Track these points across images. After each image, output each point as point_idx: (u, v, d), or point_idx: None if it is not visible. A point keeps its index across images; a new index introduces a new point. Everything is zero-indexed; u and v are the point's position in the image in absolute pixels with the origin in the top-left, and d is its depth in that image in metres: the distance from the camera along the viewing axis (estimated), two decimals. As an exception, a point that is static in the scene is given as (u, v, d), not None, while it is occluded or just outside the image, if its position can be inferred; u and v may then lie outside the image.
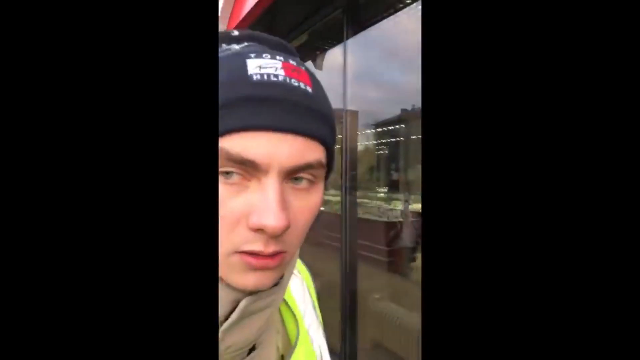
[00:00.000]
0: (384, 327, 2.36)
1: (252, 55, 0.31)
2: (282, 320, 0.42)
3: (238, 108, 0.29)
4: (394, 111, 2.51)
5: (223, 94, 0.29)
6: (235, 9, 2.63)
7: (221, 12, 2.64)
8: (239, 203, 0.29)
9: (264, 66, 0.30)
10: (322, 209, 0.36)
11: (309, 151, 0.30)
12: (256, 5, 2.35)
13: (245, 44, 0.34)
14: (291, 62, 0.32)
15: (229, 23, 2.69)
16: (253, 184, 0.29)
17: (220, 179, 0.29)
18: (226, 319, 0.31)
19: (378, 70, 2.35)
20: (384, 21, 2.19)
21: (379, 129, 2.67)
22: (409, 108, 2.37)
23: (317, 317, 0.46)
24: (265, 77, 0.30)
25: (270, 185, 0.29)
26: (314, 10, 2.51)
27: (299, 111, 0.30)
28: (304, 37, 2.69)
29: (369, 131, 2.68)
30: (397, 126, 2.62)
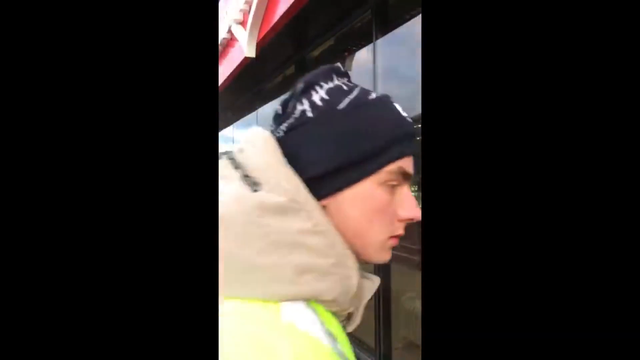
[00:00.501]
0: (417, 326, 2.35)
1: (391, 99, 0.43)
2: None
3: (407, 141, 0.40)
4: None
5: (392, 133, 0.39)
6: (267, 14, 2.71)
7: (253, 17, 2.73)
8: (394, 204, 0.41)
9: (403, 111, 0.42)
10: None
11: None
12: (288, 9, 2.41)
13: (346, 79, 0.44)
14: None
15: (261, 27, 2.78)
16: (398, 190, 0.41)
17: (386, 189, 0.39)
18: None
19: (407, 68, 2.33)
20: (412, 20, 2.17)
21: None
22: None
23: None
24: (408, 117, 0.42)
25: (409, 191, 0.42)
26: (344, 12, 2.53)
27: (413, 140, 0.42)
28: (332, 39, 2.73)
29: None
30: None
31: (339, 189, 0.39)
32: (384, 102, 0.41)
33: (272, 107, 4.06)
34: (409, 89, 2.13)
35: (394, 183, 0.39)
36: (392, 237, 0.41)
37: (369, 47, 2.45)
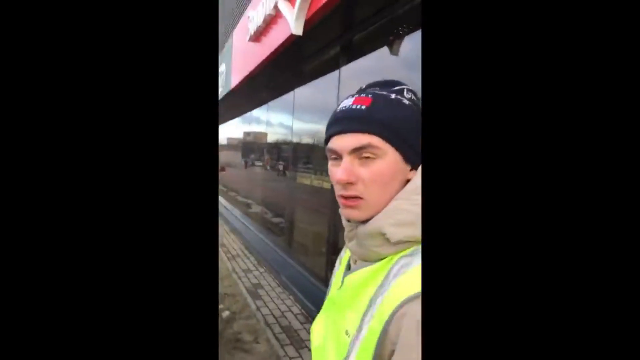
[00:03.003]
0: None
1: (347, 98, 0.59)
2: (377, 275, 0.56)
3: (330, 127, 0.57)
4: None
5: (326, 127, 0.58)
6: (316, -5, 2.69)
7: (301, 1, 2.71)
8: (334, 171, 0.56)
9: (344, 103, 0.58)
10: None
11: (358, 140, 0.54)
12: (337, -9, 2.38)
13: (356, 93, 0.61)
14: (362, 95, 0.57)
15: (309, 8, 2.76)
16: (338, 162, 0.56)
17: (332, 163, 0.57)
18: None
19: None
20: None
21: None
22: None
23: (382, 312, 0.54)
24: (342, 107, 0.58)
25: (345, 160, 0.55)
26: (395, -5, 2.48)
27: (352, 121, 0.55)
28: (379, 24, 2.68)
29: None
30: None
31: None
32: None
33: (309, 89, 4.05)
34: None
35: (334, 157, 0.56)
36: (338, 196, 0.56)
37: (417, 33, 2.40)
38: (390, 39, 2.73)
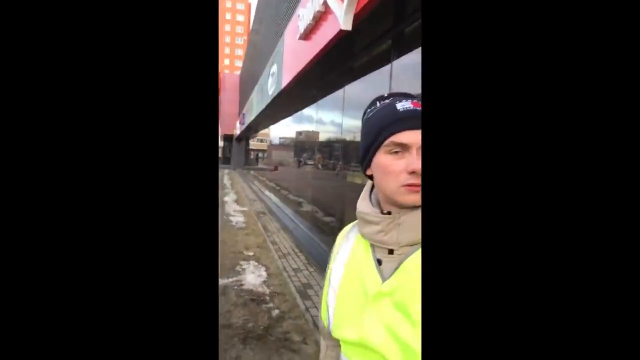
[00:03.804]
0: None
1: (397, 102, 0.66)
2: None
3: (395, 124, 0.63)
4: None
5: (381, 123, 0.64)
6: (366, -13, 2.60)
7: (351, -10, 2.63)
8: (401, 163, 0.62)
9: (402, 104, 0.65)
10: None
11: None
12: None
13: (390, 99, 0.67)
14: (415, 100, 0.66)
15: (359, 2, 2.67)
16: (407, 154, 0.62)
17: (390, 155, 0.63)
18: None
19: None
20: None
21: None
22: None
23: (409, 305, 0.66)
24: (404, 108, 0.65)
25: (414, 153, 0.62)
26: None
27: (419, 120, 0.62)
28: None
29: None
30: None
31: (369, 163, 0.67)
32: (387, 105, 0.66)
33: (360, 85, 3.95)
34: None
35: (396, 150, 0.62)
36: (404, 185, 0.61)
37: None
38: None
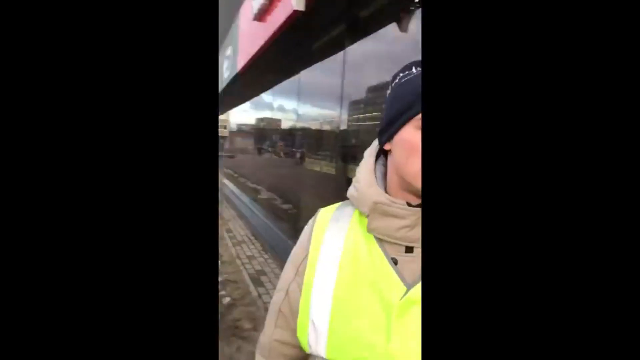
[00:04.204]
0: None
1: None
2: None
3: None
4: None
5: (417, 92, 0.53)
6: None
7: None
8: None
9: None
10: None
11: None
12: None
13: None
14: None
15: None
16: None
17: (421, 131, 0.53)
18: (370, 213, 0.58)
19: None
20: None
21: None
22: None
23: None
24: None
25: None
26: (403, -34, 2.31)
27: None
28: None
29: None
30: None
31: (392, 135, 0.56)
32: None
33: (315, 71, 3.90)
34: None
35: None
36: None
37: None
38: (402, 15, 2.57)
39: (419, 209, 0.53)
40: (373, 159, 0.61)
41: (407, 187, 0.55)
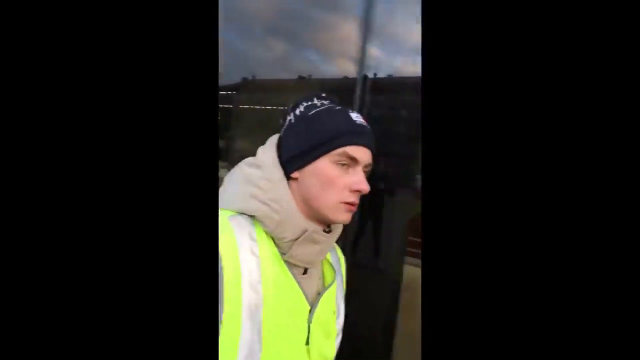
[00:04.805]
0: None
1: (349, 111, 0.62)
2: (324, 270, 0.69)
3: (351, 135, 0.59)
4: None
5: (338, 129, 0.59)
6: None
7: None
8: (346, 178, 0.59)
9: (355, 116, 0.62)
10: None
11: (370, 157, 0.61)
12: None
13: (328, 102, 0.64)
14: (358, 113, 0.63)
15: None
16: (351, 170, 0.59)
17: (337, 167, 0.58)
18: (297, 239, 0.58)
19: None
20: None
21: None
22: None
23: (342, 285, 0.73)
24: (359, 121, 0.61)
25: (361, 171, 0.60)
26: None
27: (370, 138, 0.61)
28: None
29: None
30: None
31: (303, 165, 0.59)
32: (340, 111, 0.61)
33: None
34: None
35: (344, 162, 0.58)
36: (344, 202, 0.58)
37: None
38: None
39: (331, 234, 0.62)
40: (285, 181, 0.58)
41: (317, 215, 0.59)
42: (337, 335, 0.69)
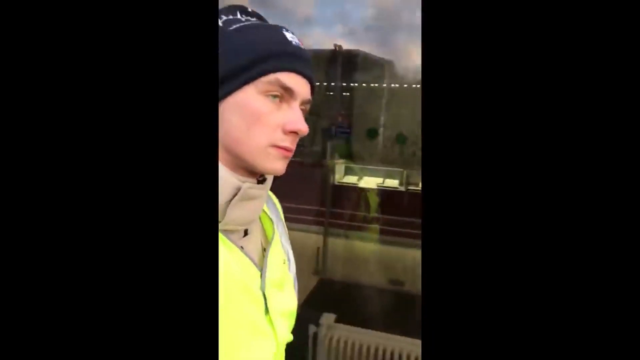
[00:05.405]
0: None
1: (283, 29, 0.47)
2: (262, 223, 0.57)
3: (286, 58, 0.45)
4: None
5: (268, 48, 0.44)
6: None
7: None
8: (279, 115, 0.45)
9: (293, 38, 0.47)
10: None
11: (309, 92, 0.48)
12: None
13: (255, 19, 0.50)
14: (291, 33, 0.49)
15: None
16: (285, 105, 0.45)
17: (267, 99, 0.44)
18: (230, 200, 0.45)
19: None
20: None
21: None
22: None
23: (285, 230, 0.62)
24: (296, 42, 0.47)
25: (297, 107, 0.46)
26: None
27: (308, 66, 0.47)
28: None
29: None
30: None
31: (221, 97, 0.43)
32: (272, 27, 0.47)
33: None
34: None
35: (275, 93, 0.44)
36: (275, 146, 0.45)
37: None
38: None
39: (267, 182, 0.49)
40: None
41: (242, 164, 0.45)
42: (294, 282, 0.58)
